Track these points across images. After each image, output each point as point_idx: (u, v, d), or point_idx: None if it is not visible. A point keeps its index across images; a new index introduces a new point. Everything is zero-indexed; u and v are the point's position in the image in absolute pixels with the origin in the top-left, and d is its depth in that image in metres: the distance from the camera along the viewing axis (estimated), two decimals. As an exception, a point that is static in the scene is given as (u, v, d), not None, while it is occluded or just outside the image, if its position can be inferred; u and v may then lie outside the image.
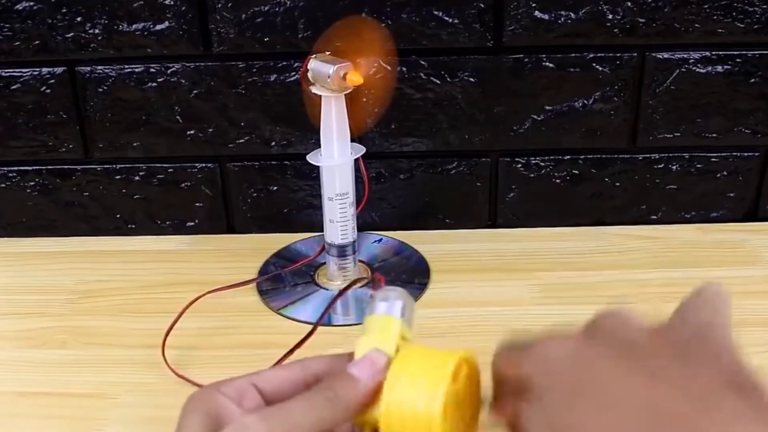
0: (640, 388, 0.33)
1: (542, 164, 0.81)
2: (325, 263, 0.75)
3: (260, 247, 0.81)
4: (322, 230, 0.73)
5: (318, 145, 0.69)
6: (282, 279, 0.76)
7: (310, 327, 0.65)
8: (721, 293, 0.37)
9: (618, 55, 0.76)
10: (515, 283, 0.74)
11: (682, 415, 0.31)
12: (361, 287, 0.72)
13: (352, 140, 0.69)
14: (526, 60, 0.76)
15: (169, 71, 0.77)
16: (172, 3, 0.74)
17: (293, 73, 0.77)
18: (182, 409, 0.40)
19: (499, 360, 0.40)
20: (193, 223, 0.84)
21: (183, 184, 0.83)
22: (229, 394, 0.40)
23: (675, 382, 0.33)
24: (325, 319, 0.70)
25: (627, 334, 0.36)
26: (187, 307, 0.69)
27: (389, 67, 0.70)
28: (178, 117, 0.79)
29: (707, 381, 0.33)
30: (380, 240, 0.82)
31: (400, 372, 0.40)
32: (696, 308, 0.37)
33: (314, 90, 0.66)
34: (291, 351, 0.62)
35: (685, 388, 0.32)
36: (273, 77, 0.77)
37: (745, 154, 0.81)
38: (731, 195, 0.83)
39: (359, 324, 0.45)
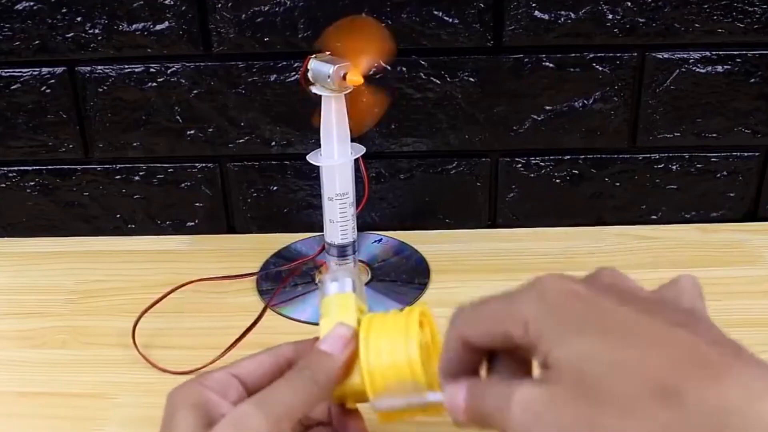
0: (657, 326, 0.32)
1: (542, 164, 0.81)
2: (325, 263, 0.75)
3: (260, 247, 0.81)
4: (322, 230, 0.73)
5: (318, 145, 0.69)
6: (281, 278, 0.76)
7: (310, 327, 0.65)
8: (697, 284, 0.37)
9: (618, 55, 0.76)
10: (515, 283, 0.74)
11: (704, 351, 0.31)
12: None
13: (352, 140, 0.69)
14: (526, 60, 0.76)
15: (169, 71, 0.77)
16: (172, 3, 0.74)
17: (293, 73, 0.77)
18: (167, 405, 0.41)
19: (463, 321, 0.38)
20: (193, 223, 0.84)
21: (183, 184, 0.83)
22: (213, 388, 0.41)
23: (689, 326, 0.32)
24: (311, 317, 0.70)
25: (628, 287, 0.36)
26: (165, 295, 0.70)
27: (389, 67, 0.70)
28: (178, 117, 0.79)
29: (717, 331, 0.33)
30: (380, 240, 0.82)
31: (369, 335, 0.42)
32: (678, 294, 0.37)
33: (314, 90, 0.66)
34: (246, 332, 0.65)
35: (699, 332, 0.32)
36: (273, 77, 0.77)
37: (745, 154, 0.81)
38: (731, 195, 0.83)
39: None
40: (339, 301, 0.45)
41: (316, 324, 0.68)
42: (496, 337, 0.36)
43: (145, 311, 0.68)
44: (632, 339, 0.31)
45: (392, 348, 0.41)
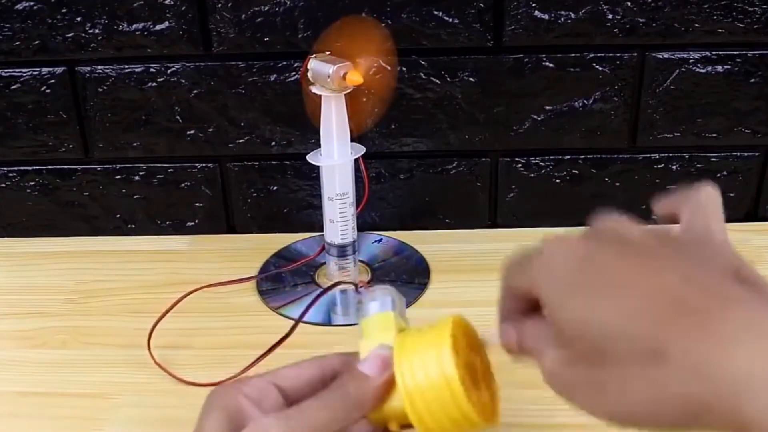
0: (648, 277, 0.33)
1: (542, 164, 0.81)
2: (325, 263, 0.75)
3: (260, 247, 0.81)
4: (322, 230, 0.73)
5: (318, 145, 0.69)
6: (282, 279, 0.76)
7: (311, 327, 0.65)
8: (713, 194, 0.39)
9: (618, 55, 0.76)
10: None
11: (684, 297, 0.32)
12: (356, 292, 0.72)
13: (352, 140, 0.69)
14: (526, 60, 0.76)
15: (169, 71, 0.77)
16: (172, 3, 0.74)
17: (293, 73, 0.77)
18: (204, 404, 0.41)
19: (508, 274, 0.40)
20: (193, 223, 0.84)
21: (183, 184, 0.83)
22: (249, 395, 0.41)
23: (681, 272, 0.33)
24: (321, 318, 0.70)
25: (629, 234, 0.37)
26: (176, 303, 0.69)
27: (389, 67, 0.70)
28: (178, 117, 0.79)
29: (711, 272, 0.33)
30: (380, 240, 0.82)
31: (402, 356, 0.41)
32: (694, 214, 0.38)
33: (314, 90, 0.66)
34: (274, 347, 0.63)
35: (691, 277, 0.33)
36: (273, 77, 0.77)
37: (745, 154, 0.81)
38: (731, 195, 0.83)
39: (357, 324, 0.46)
40: (379, 320, 0.44)
41: (317, 324, 0.69)
42: (527, 292, 0.38)
43: (157, 322, 0.67)
44: (623, 296, 0.33)
45: (427, 367, 0.40)
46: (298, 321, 0.66)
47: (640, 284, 0.33)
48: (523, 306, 0.39)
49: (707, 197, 0.39)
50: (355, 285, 0.72)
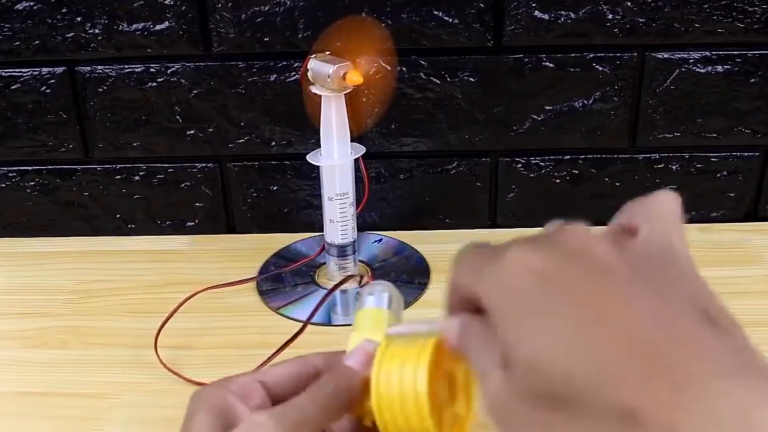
0: (617, 311, 0.30)
1: (542, 164, 0.81)
2: (325, 263, 0.75)
3: (260, 247, 0.81)
4: (322, 230, 0.73)
5: (318, 145, 0.69)
6: (282, 279, 0.76)
7: (311, 326, 0.65)
8: (671, 201, 0.36)
9: (618, 55, 0.76)
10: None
11: (656, 345, 0.29)
12: (360, 286, 0.72)
13: (352, 140, 0.69)
14: (526, 60, 0.76)
15: (169, 71, 0.77)
16: (172, 3, 0.74)
17: (293, 73, 0.77)
18: (189, 405, 0.41)
19: (457, 269, 0.37)
20: (193, 223, 0.84)
21: (183, 184, 0.83)
22: (235, 392, 0.41)
23: (648, 308, 0.30)
24: (321, 318, 0.70)
25: (593, 252, 0.33)
26: (180, 305, 0.69)
27: (389, 67, 0.70)
28: (178, 117, 0.79)
29: (681, 310, 0.30)
30: (380, 240, 0.82)
31: (382, 361, 0.41)
32: (653, 225, 0.35)
33: (314, 90, 0.66)
34: (282, 347, 0.63)
35: (662, 318, 0.30)
36: (273, 77, 0.77)
37: (745, 154, 0.81)
38: (731, 195, 0.83)
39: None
40: (372, 315, 0.45)
41: (317, 324, 0.69)
42: (474, 298, 0.35)
43: (163, 324, 0.67)
44: (592, 335, 0.30)
45: (401, 376, 0.39)
46: (306, 322, 0.66)
47: (609, 320, 0.30)
48: (471, 307, 0.36)
49: (665, 205, 0.36)
50: (360, 277, 0.72)
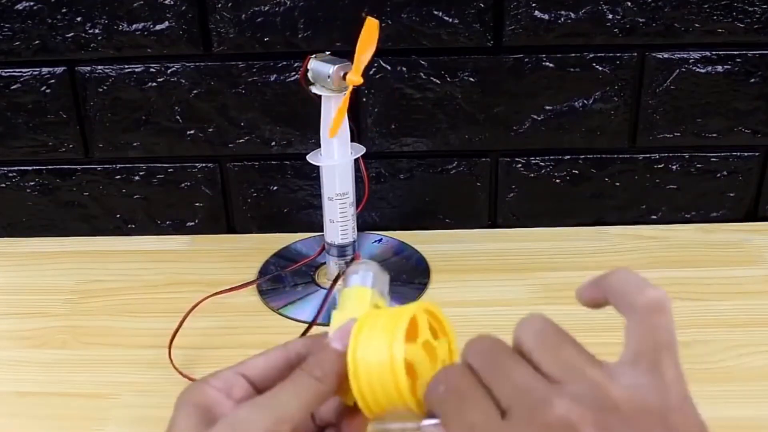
0: None
1: (542, 164, 0.81)
2: (325, 263, 0.75)
3: (260, 247, 0.81)
4: (322, 230, 0.73)
5: (318, 145, 0.69)
6: (282, 279, 0.76)
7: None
8: (663, 301, 0.33)
9: (618, 55, 0.76)
10: (515, 283, 0.74)
11: None
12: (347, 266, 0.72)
13: (352, 140, 0.69)
14: (526, 60, 0.76)
15: (169, 71, 0.77)
16: (172, 3, 0.74)
17: (293, 73, 0.77)
18: (175, 404, 0.41)
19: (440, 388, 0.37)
20: (193, 223, 0.84)
21: (183, 184, 0.83)
22: (218, 386, 0.41)
23: None
24: (322, 318, 0.70)
25: (604, 399, 0.32)
26: (191, 310, 0.69)
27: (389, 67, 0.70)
28: (178, 117, 0.79)
29: None
30: (380, 240, 0.82)
31: (360, 332, 0.40)
32: (642, 342, 0.33)
33: (314, 90, 0.66)
34: None
35: None
36: (273, 77, 0.77)
37: (745, 154, 0.81)
38: (731, 195, 0.83)
39: None
40: (356, 294, 0.44)
41: (317, 324, 0.69)
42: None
43: (177, 328, 0.67)
44: None
45: (377, 348, 0.39)
46: (312, 323, 0.66)
47: None
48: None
49: (657, 305, 0.33)
50: (351, 259, 0.73)
